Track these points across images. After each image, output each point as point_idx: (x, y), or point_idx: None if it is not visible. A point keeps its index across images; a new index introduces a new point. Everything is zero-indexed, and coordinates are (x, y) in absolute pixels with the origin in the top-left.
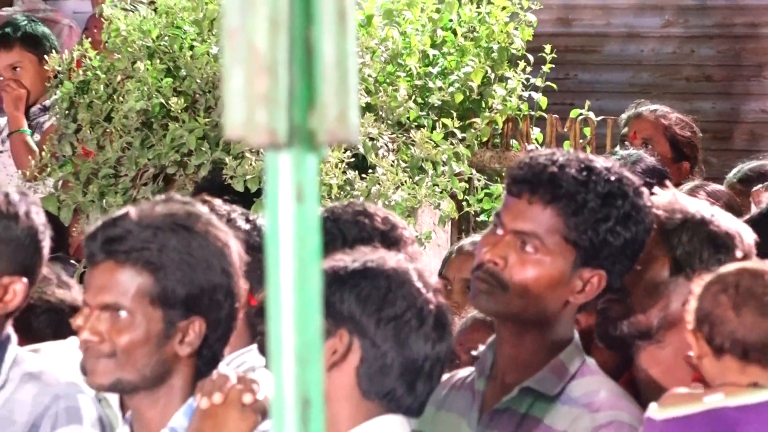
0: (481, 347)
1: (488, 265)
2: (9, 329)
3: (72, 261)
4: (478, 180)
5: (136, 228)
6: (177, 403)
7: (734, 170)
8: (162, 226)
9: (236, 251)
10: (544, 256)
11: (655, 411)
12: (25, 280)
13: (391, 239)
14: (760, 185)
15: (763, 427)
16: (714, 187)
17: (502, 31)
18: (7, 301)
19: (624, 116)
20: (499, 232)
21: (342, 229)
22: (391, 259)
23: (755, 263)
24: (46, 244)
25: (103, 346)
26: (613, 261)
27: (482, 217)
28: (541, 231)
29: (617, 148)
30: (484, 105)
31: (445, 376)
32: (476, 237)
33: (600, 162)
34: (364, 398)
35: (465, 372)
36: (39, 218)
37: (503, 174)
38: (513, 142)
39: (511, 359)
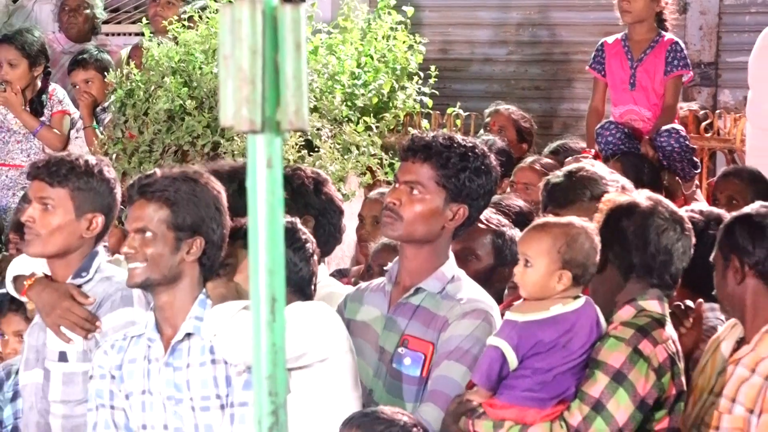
0: (390, 264)
1: (390, 205)
2: (99, 247)
3: (121, 207)
4: (386, 158)
5: (161, 178)
6: (189, 297)
7: (548, 147)
8: (178, 177)
9: (225, 196)
10: (425, 196)
11: (514, 315)
12: (103, 216)
13: (319, 180)
14: (570, 157)
15: (585, 320)
16: (546, 160)
17: (403, 57)
18: (92, 229)
19: (487, 111)
20: (396, 185)
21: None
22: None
23: (558, 218)
24: (118, 191)
25: (137, 255)
26: (471, 199)
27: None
28: (422, 179)
29: (481, 133)
30: (391, 105)
31: (365, 283)
32: (381, 189)
33: (461, 136)
34: None
35: (378, 280)
36: (111, 174)
37: None
38: (410, 129)
39: (409, 269)
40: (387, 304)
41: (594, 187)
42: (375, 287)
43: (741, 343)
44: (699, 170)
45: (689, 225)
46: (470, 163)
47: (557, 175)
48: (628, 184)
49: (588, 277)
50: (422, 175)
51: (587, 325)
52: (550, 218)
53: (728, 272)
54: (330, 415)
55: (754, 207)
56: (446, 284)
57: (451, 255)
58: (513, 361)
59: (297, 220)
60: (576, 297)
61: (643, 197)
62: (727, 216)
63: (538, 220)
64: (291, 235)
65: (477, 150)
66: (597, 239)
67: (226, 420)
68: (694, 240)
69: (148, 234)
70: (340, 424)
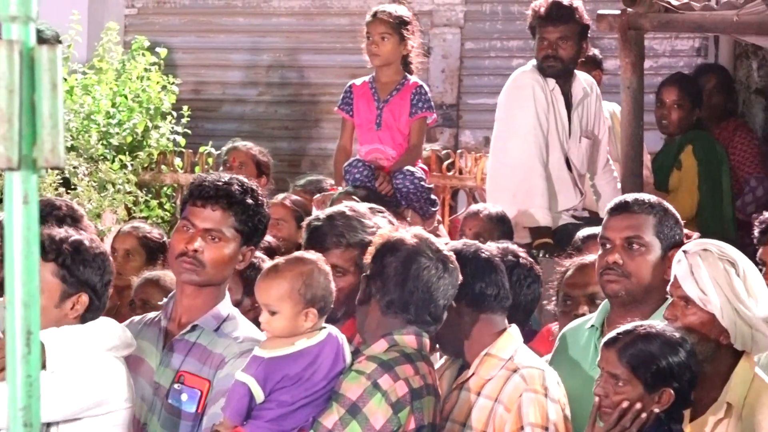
0: (165, 299)
1: (191, 252)
2: None
3: None
4: (141, 195)
5: (55, 239)
6: None
7: (295, 182)
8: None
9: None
10: (225, 243)
11: (261, 351)
12: None
13: (74, 217)
14: (318, 195)
15: (329, 352)
16: (295, 197)
17: (156, 97)
18: None
19: (224, 149)
20: (191, 230)
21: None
22: (99, 241)
23: (288, 257)
24: None
25: None
26: (257, 239)
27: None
28: (223, 227)
29: (220, 170)
30: (145, 144)
31: (137, 318)
32: (134, 223)
33: (246, 180)
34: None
35: (153, 314)
36: None
37: (157, 188)
38: (163, 167)
39: (187, 307)
40: (162, 340)
41: (351, 234)
42: (149, 321)
43: (462, 370)
44: (437, 208)
45: (454, 263)
46: (261, 207)
47: (318, 218)
48: (388, 226)
49: (330, 306)
50: (223, 223)
51: (331, 356)
52: (279, 261)
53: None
54: None
55: (457, 244)
56: (222, 322)
57: (227, 293)
58: (259, 395)
59: (102, 245)
60: (321, 328)
61: (410, 234)
62: (519, 250)
63: (267, 265)
64: (95, 257)
65: (260, 193)
66: (327, 267)
67: None
68: (460, 278)
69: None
70: None
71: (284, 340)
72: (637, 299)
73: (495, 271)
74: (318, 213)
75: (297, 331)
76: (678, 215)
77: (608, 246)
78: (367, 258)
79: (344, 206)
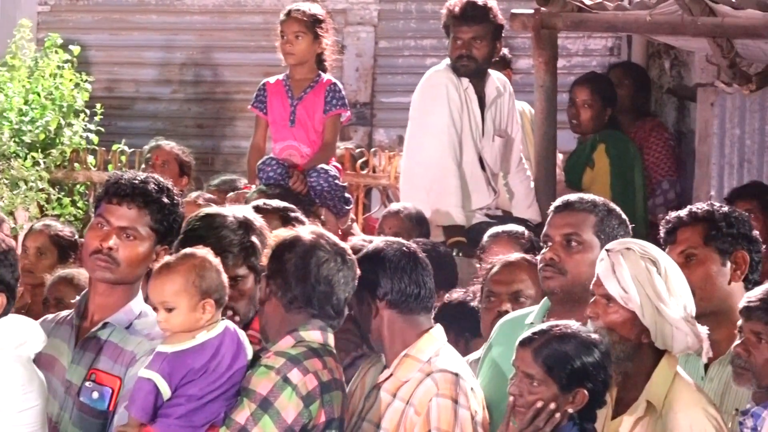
0: (77, 297)
1: (105, 250)
2: None
3: None
4: (54, 193)
5: None
6: None
7: (210, 182)
8: None
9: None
10: (140, 241)
11: (164, 347)
12: None
13: None
14: (232, 193)
15: (229, 343)
16: (209, 196)
17: (69, 94)
18: None
19: (147, 148)
20: (106, 228)
21: None
22: (4, 236)
23: (176, 255)
24: None
25: None
26: (172, 239)
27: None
28: (138, 225)
29: (143, 167)
30: (58, 142)
31: (51, 316)
32: (46, 221)
33: (162, 179)
34: None
35: (65, 312)
36: None
37: (69, 186)
38: (76, 165)
39: (99, 304)
40: (74, 338)
41: (228, 243)
42: (62, 320)
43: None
44: (351, 206)
45: (351, 257)
46: (176, 206)
47: (192, 239)
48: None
49: (225, 298)
50: (138, 221)
51: (232, 348)
52: (169, 258)
53: (364, 308)
54: None
55: (379, 242)
56: (134, 319)
57: (140, 291)
58: (166, 391)
59: (8, 239)
60: (218, 321)
61: (306, 231)
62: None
63: (158, 265)
64: (5, 254)
65: (176, 191)
66: (216, 260)
67: None
68: (358, 271)
69: None
70: None
71: (185, 334)
72: (574, 297)
73: (416, 270)
74: (183, 233)
75: (196, 325)
76: (624, 216)
77: (549, 243)
78: (264, 259)
79: (201, 220)
